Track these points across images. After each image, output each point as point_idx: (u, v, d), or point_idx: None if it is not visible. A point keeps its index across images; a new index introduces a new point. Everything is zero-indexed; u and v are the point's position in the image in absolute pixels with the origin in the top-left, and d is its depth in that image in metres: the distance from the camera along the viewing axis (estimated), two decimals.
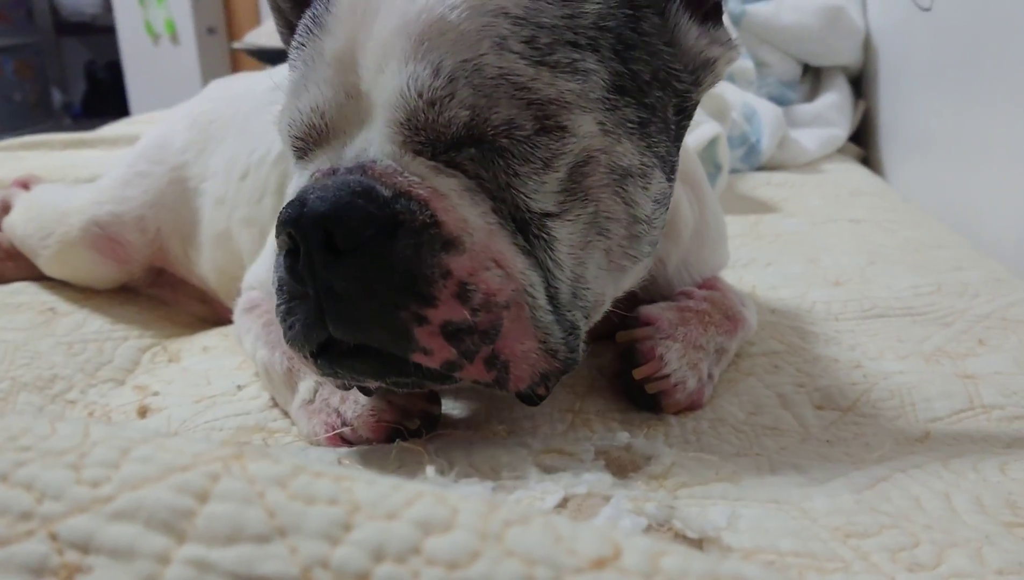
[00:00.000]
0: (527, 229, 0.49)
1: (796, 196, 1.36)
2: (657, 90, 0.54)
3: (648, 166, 0.53)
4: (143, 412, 0.78)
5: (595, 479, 0.43)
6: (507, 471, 0.46)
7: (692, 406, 0.64)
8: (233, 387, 0.80)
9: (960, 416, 0.65)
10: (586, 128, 0.49)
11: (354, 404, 0.61)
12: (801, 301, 0.92)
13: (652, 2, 0.55)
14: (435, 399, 0.62)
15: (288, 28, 0.66)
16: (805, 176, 1.51)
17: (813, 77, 1.82)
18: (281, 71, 1.07)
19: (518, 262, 0.48)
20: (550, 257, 0.49)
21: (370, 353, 0.48)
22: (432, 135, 0.48)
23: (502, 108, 0.47)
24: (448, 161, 0.48)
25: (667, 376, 0.62)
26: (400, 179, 0.47)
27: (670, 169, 0.57)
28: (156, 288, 1.11)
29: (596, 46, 0.50)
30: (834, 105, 1.69)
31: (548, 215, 0.49)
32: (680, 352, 0.64)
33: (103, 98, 5.48)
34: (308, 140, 0.52)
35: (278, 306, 0.51)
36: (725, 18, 0.60)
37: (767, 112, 1.54)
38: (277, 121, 0.55)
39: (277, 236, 0.48)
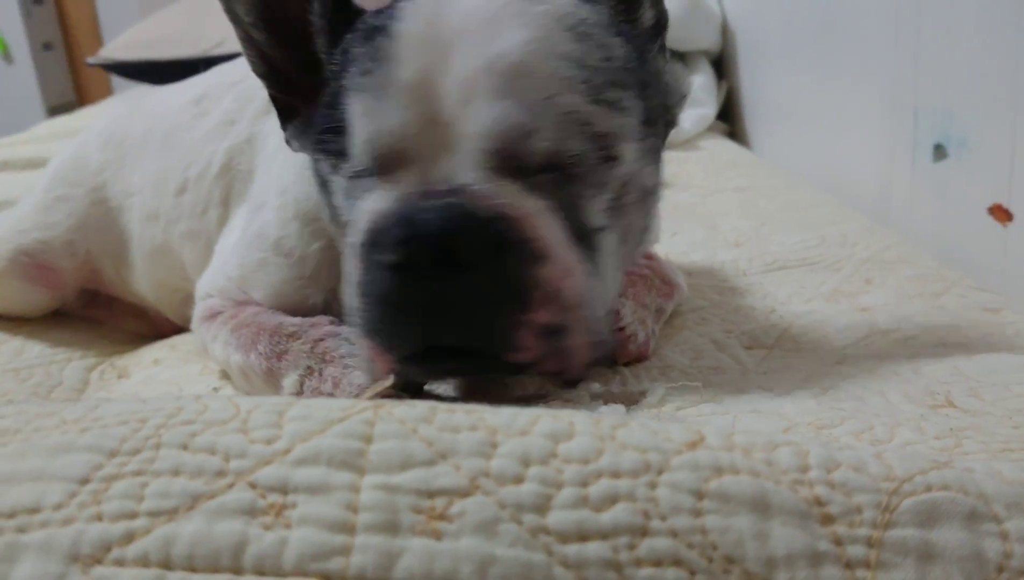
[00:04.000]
0: (584, 241, 0.58)
1: (683, 172, 1.49)
2: (661, 122, 0.66)
3: (658, 185, 0.66)
4: None
5: (610, 410, 0.52)
6: None
7: (640, 357, 0.73)
8: (209, 391, 0.83)
9: (866, 341, 0.78)
10: (630, 156, 0.60)
11: (348, 386, 0.67)
12: (711, 262, 1.04)
13: (652, 46, 0.66)
14: None
15: (262, 61, 0.70)
16: (686, 153, 1.65)
17: (679, 62, 1.98)
18: (195, 84, 1.09)
19: (582, 270, 0.57)
20: (598, 264, 0.59)
21: (462, 353, 0.55)
22: (519, 162, 0.56)
23: (574, 140, 0.56)
24: (528, 185, 0.56)
25: (623, 328, 0.71)
26: (496, 201, 0.54)
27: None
28: (89, 309, 1.11)
29: (628, 85, 0.61)
30: (701, 86, 1.85)
31: (599, 229, 0.59)
32: (632, 308, 0.74)
33: None
34: (388, 161, 0.58)
35: (369, 316, 0.56)
36: None
37: None
38: (353, 141, 0.59)
39: (379, 254, 0.53)
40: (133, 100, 1.20)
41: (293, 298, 0.80)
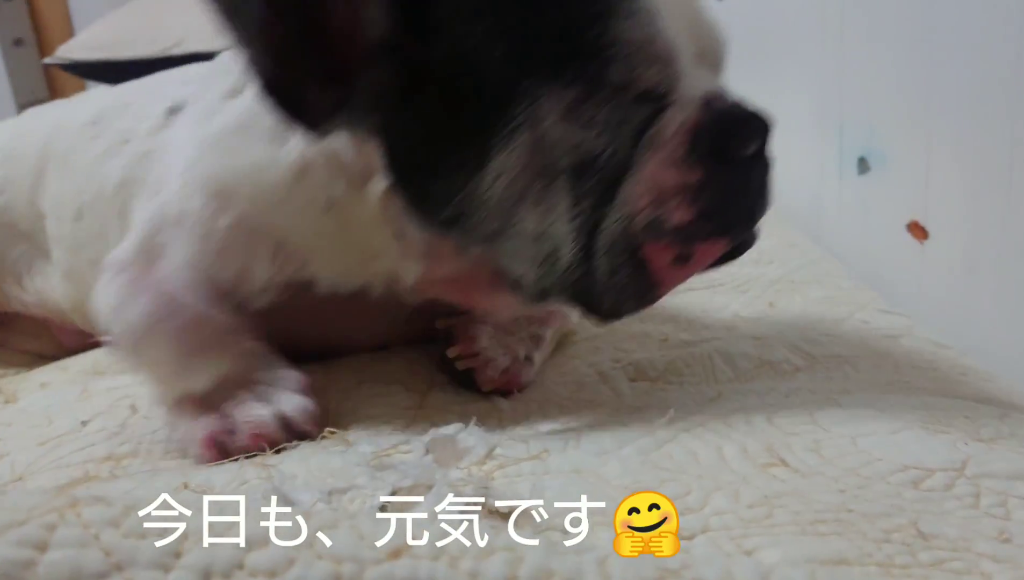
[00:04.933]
0: None
1: None
2: None
3: None
4: None
5: (420, 472, 0.49)
6: (340, 476, 0.51)
7: (509, 383, 0.71)
8: (77, 424, 0.80)
9: (752, 374, 0.74)
10: None
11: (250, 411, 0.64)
12: None
13: None
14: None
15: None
16: None
17: None
18: (93, 102, 1.05)
19: None
20: None
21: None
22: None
23: None
24: None
25: (477, 354, 0.70)
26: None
27: None
28: None
29: None
30: None
31: None
32: (491, 333, 0.72)
33: None
34: (669, 75, 0.59)
35: (717, 208, 0.59)
36: None
37: None
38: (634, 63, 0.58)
39: (738, 148, 0.59)
40: (36, 113, 1.16)
41: (202, 276, 0.71)
